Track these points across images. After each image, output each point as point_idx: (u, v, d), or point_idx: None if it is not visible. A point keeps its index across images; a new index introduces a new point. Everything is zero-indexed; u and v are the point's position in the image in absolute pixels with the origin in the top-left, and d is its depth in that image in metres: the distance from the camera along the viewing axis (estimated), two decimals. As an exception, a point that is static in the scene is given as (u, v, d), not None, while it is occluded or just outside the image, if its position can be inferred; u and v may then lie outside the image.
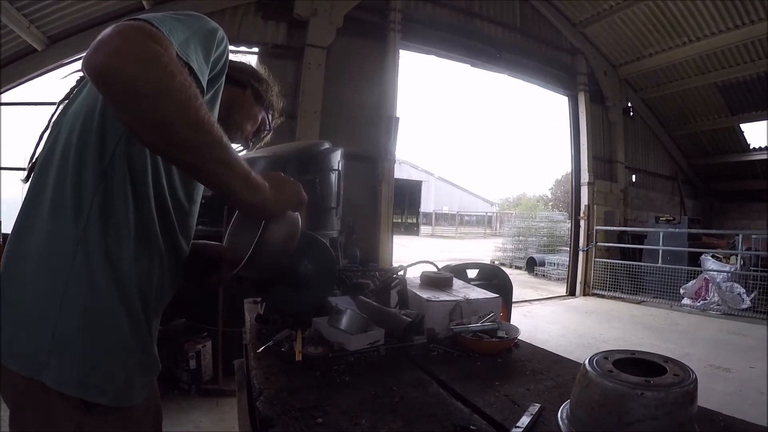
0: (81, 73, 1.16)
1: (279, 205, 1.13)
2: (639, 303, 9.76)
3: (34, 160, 1.12)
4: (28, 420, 0.99)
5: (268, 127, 1.65)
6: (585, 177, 10.74)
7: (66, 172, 0.99)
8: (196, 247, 1.35)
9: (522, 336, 1.69)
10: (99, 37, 0.80)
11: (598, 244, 10.71)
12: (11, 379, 0.97)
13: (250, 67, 1.59)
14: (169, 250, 1.16)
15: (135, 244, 1.04)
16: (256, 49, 6.74)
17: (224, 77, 1.17)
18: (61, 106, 1.13)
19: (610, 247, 10.99)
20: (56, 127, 1.08)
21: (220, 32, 1.09)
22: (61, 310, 0.95)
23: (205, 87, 1.02)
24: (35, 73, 6.07)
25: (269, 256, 1.18)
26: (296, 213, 1.28)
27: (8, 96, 6.15)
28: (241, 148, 1.62)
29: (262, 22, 6.81)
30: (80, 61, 0.82)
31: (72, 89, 1.15)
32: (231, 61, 1.54)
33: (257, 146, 1.73)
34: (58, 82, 1.17)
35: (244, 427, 1.57)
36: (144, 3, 5.98)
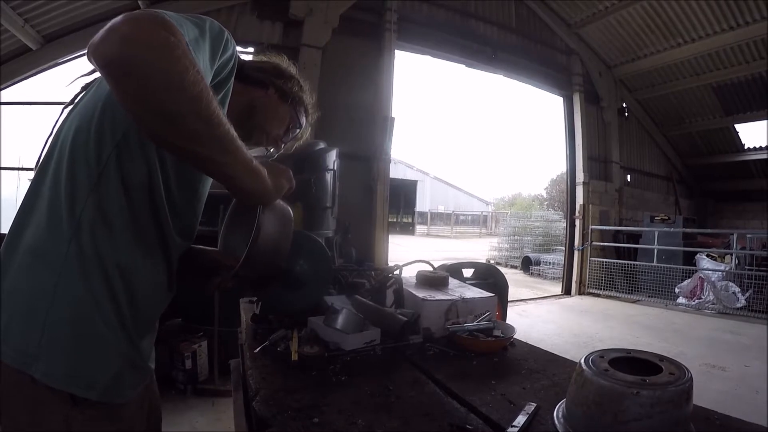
0: (86, 80, 1.16)
1: (276, 190, 1.16)
2: (634, 302, 9.77)
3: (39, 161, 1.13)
4: (17, 413, 0.99)
5: (298, 125, 1.61)
6: (580, 177, 10.76)
7: (62, 171, 1.01)
8: (192, 253, 1.35)
9: (518, 335, 1.69)
10: (109, 24, 0.78)
11: (594, 243, 10.73)
12: (2, 371, 0.97)
13: (270, 64, 1.55)
14: (164, 254, 1.16)
15: (128, 245, 1.05)
16: (251, 49, 6.72)
17: (232, 80, 1.17)
18: (65, 112, 1.13)
19: (606, 247, 11.00)
20: (60, 131, 1.09)
21: (227, 34, 1.09)
22: (52, 304, 0.96)
23: None
24: (30, 73, 6.03)
25: (266, 251, 1.18)
26: (289, 209, 1.29)
27: (3, 95, 6.13)
28: (272, 149, 1.60)
29: (257, 21, 6.79)
30: (84, 55, 0.80)
31: (76, 95, 1.14)
32: (250, 61, 1.53)
33: (294, 145, 1.69)
34: (63, 87, 1.17)
35: (240, 428, 1.56)
36: (139, 3, 5.96)
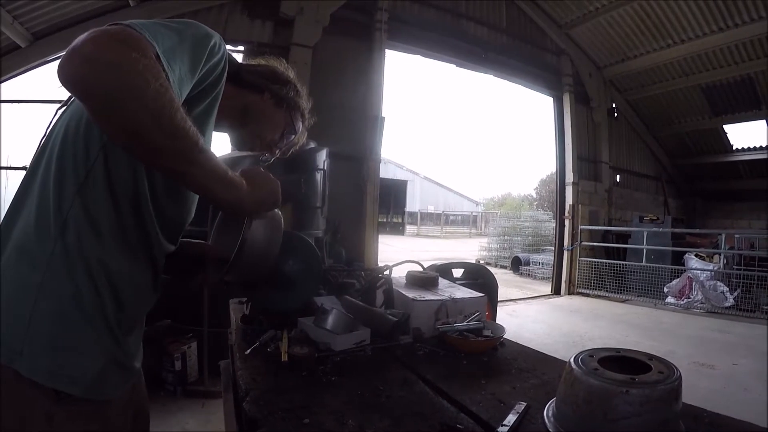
0: None
1: (254, 203, 1.15)
2: (623, 301, 9.83)
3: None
4: (1, 407, 0.98)
5: (293, 131, 1.59)
6: (570, 177, 10.80)
7: (51, 170, 1.02)
8: (179, 245, 1.35)
9: (507, 335, 1.70)
10: (72, 44, 0.79)
11: (583, 243, 10.78)
12: None
13: (267, 68, 1.53)
14: (149, 255, 1.16)
15: (113, 245, 1.05)
16: (241, 48, 6.69)
17: (222, 84, 1.16)
18: (60, 112, 1.13)
19: (595, 246, 11.06)
20: (52, 131, 1.09)
21: (215, 39, 1.08)
22: (37, 301, 0.97)
23: (182, 99, 1.01)
24: (19, 70, 5.97)
25: (252, 257, 1.18)
26: (279, 213, 1.28)
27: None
28: (267, 155, 1.58)
29: (248, 20, 6.74)
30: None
31: (70, 95, 1.14)
32: (246, 64, 1.52)
33: (291, 151, 1.66)
34: (55, 87, 1.16)
35: (230, 428, 1.56)
36: (129, 1, 5.91)
